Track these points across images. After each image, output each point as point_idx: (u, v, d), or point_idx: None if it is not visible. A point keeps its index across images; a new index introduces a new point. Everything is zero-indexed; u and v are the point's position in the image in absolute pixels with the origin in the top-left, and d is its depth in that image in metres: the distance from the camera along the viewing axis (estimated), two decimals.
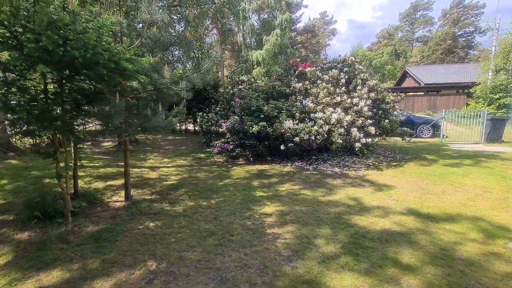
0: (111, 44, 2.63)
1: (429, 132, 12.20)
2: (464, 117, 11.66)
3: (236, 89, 8.99)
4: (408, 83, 28.34)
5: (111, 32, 3.72)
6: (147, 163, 7.57)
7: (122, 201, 4.58)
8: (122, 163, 4.70)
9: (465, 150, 8.80)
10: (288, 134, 6.66)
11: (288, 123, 6.64)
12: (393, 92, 8.56)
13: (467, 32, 46.77)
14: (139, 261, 2.85)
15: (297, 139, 6.72)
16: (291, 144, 6.93)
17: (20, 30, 2.50)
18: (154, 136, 12.38)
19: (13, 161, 7.23)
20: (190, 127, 15.45)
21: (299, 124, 6.71)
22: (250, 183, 5.56)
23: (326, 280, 2.45)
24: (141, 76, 3.18)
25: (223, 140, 7.84)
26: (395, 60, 48.85)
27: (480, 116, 10.48)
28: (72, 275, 2.63)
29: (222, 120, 8.34)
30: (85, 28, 2.61)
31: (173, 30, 10.18)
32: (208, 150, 9.10)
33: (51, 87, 3.59)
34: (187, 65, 10.12)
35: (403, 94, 23.38)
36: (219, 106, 9.25)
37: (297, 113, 6.89)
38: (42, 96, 2.99)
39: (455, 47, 45.40)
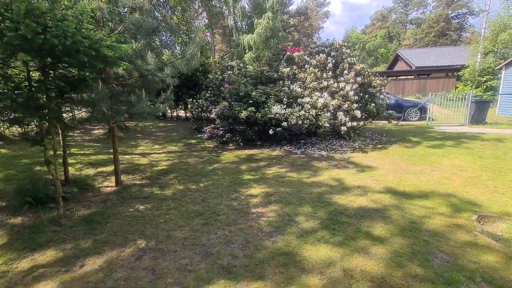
0: (91, 31, 2.66)
1: (417, 115, 12.45)
2: (451, 99, 11.89)
3: (225, 75, 8.98)
4: (400, 66, 28.39)
5: (92, 19, 3.71)
6: (138, 149, 7.65)
7: (113, 186, 4.71)
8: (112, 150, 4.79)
9: (448, 132, 9.09)
10: (278, 118, 6.78)
11: (276, 108, 6.74)
12: (384, 76, 8.67)
13: (460, 13, 46.46)
14: (129, 240, 3.02)
15: (285, 123, 6.86)
16: (279, 129, 7.07)
17: None
18: (145, 123, 12.38)
19: (3, 150, 7.23)
20: (182, 113, 15.43)
21: (287, 109, 6.82)
22: (238, 167, 5.72)
23: (302, 252, 2.67)
24: (124, 62, 3.22)
25: (212, 126, 7.93)
26: (389, 43, 48.54)
27: (465, 99, 10.72)
28: (65, 254, 2.79)
29: (212, 106, 8.39)
30: (64, 15, 2.63)
31: (159, 14, 9.96)
32: (199, 136, 9.20)
33: (36, 75, 3.61)
34: (175, 51, 9.98)
35: (395, 77, 23.50)
36: (209, 92, 9.25)
37: (284, 98, 6.98)
38: (26, 84, 3.03)
39: (448, 29, 45.21)
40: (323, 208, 3.63)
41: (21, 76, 3.06)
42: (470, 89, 16.29)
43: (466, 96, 10.52)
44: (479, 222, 3.15)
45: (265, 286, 2.22)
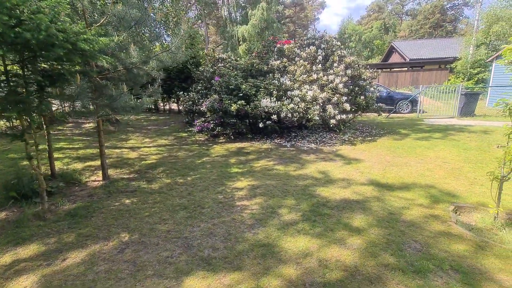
0: (67, 24, 2.61)
1: (408, 108, 12.54)
2: (442, 92, 11.97)
3: (216, 67, 8.91)
4: (394, 58, 28.38)
5: (73, 11, 3.64)
6: (128, 143, 7.62)
7: (100, 181, 4.71)
8: (105, 144, 4.78)
9: (437, 124, 9.20)
10: (268, 111, 6.78)
11: (266, 101, 6.74)
12: (375, 69, 8.65)
13: (455, 4, 46.29)
14: (112, 234, 3.06)
15: (274, 116, 6.88)
16: (269, 122, 7.09)
17: None
18: (137, 116, 12.28)
19: None
20: (174, 106, 15.30)
21: (277, 102, 6.82)
22: (227, 160, 5.75)
23: (282, 243, 2.74)
24: (104, 56, 3.18)
25: (203, 119, 7.91)
26: (384, 35, 48.34)
27: (456, 91, 10.81)
28: (48, 248, 2.82)
29: (203, 99, 8.34)
30: (39, 7, 2.58)
31: (148, 5, 9.75)
32: (190, 129, 9.17)
33: (17, 68, 3.54)
34: (166, 43, 9.83)
35: (389, 69, 23.52)
36: (200, 84, 9.18)
37: (274, 91, 6.97)
38: (3, 78, 2.99)
39: (443, 20, 45.10)
40: (306, 200, 3.70)
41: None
42: (462, 82, 16.41)
43: (456, 89, 10.60)
44: (455, 213, 3.25)
45: (241, 277, 2.28)
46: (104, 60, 3.22)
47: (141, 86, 4.99)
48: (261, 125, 7.15)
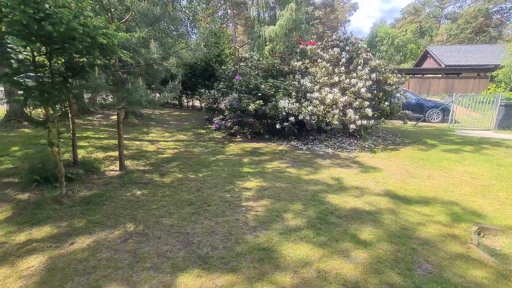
0: (87, 19, 2.73)
1: (439, 117, 11.76)
2: (479, 102, 11.09)
3: (238, 67, 8.95)
4: (428, 63, 26.81)
5: (98, 7, 3.81)
6: (149, 136, 7.87)
7: (117, 171, 4.91)
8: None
9: (470, 136, 8.52)
10: (287, 112, 6.68)
11: (284, 102, 6.64)
12: (402, 74, 8.16)
13: (503, 8, 42.73)
14: (119, 223, 3.15)
15: (292, 118, 6.76)
16: (286, 124, 6.97)
17: None
18: (161, 111, 12.71)
19: (26, 130, 7.73)
20: (197, 103, 15.65)
21: (295, 103, 6.70)
22: (241, 160, 5.74)
23: (282, 249, 2.65)
24: (124, 51, 3.29)
25: (221, 117, 7.97)
26: (419, 39, 45.87)
27: (494, 102, 9.95)
28: (59, 231, 2.96)
29: (223, 98, 8.42)
30: (64, 1, 2.72)
31: (178, 5, 10.03)
32: (209, 126, 9.30)
33: (44, 59, 3.77)
34: (192, 40, 10.06)
35: (421, 75, 22.26)
36: (222, 83, 9.28)
37: (293, 92, 6.85)
38: (32, 68, 3.19)
39: (487, 25, 41.83)
40: (314, 206, 3.57)
41: (27, 59, 3.22)
42: (503, 92, 15.08)
43: (495, 99, 9.76)
44: (478, 234, 2.96)
45: (235, 279, 2.23)
46: (123, 55, 3.33)
47: (163, 82, 5.14)
48: (278, 126, 7.06)
